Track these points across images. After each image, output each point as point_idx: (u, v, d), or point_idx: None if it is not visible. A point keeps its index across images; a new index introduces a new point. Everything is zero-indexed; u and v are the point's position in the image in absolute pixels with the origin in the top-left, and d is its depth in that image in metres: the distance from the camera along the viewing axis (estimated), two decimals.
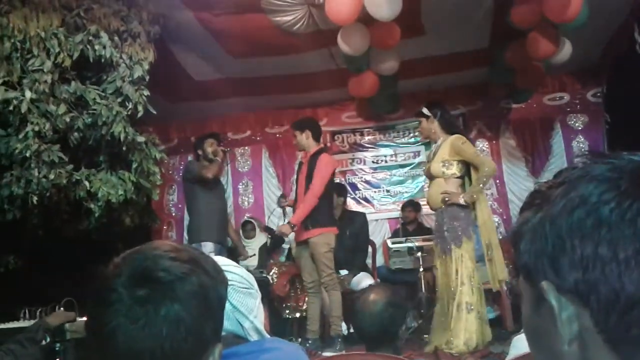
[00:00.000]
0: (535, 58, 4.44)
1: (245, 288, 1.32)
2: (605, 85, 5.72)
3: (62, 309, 2.64)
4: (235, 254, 5.04)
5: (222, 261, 1.35)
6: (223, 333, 1.31)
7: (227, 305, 1.27)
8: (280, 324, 5.09)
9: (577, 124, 5.83)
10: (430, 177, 3.96)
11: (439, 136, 3.94)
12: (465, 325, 3.50)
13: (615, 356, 0.50)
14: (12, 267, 4.63)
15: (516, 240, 0.59)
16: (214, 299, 0.86)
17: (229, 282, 1.30)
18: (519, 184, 5.82)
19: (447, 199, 3.74)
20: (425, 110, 4.02)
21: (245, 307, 1.28)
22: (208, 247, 4.26)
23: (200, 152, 4.63)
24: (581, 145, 5.80)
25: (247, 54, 4.82)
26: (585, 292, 0.51)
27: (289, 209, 4.63)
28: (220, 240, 4.47)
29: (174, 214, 6.12)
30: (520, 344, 1.70)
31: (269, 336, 1.35)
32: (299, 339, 4.62)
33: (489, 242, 3.71)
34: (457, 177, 3.82)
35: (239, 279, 1.31)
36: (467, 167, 3.83)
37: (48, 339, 2.19)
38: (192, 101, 5.61)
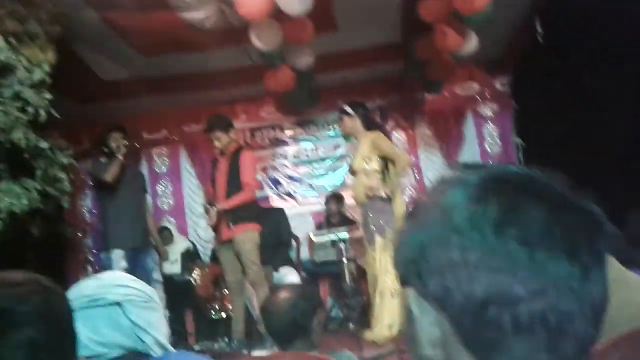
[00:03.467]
0: (443, 50, 4.59)
1: (145, 302, 1.28)
2: (512, 74, 6.01)
3: None
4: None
5: (117, 276, 1.30)
6: (123, 351, 1.26)
7: (125, 321, 1.22)
8: (207, 325, 5.02)
9: (487, 112, 6.10)
10: (353, 172, 4.09)
11: (360, 133, 4.06)
12: (388, 311, 3.60)
13: (474, 359, 0.52)
14: None
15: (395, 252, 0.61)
16: (64, 314, 0.83)
17: (126, 297, 1.25)
18: (435, 171, 6.02)
19: (369, 193, 3.87)
20: (347, 108, 4.11)
21: (144, 321, 1.24)
22: (117, 254, 4.06)
23: (104, 149, 4.31)
24: (492, 132, 6.08)
25: (158, 51, 4.67)
26: (443, 297, 0.52)
27: None
28: (136, 246, 4.21)
29: (89, 221, 5.85)
30: None
31: (173, 350, 1.31)
32: (226, 339, 4.59)
33: None
34: (377, 172, 3.95)
35: (136, 292, 1.26)
36: (386, 162, 3.98)
37: None
38: (102, 102, 5.37)
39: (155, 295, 1.32)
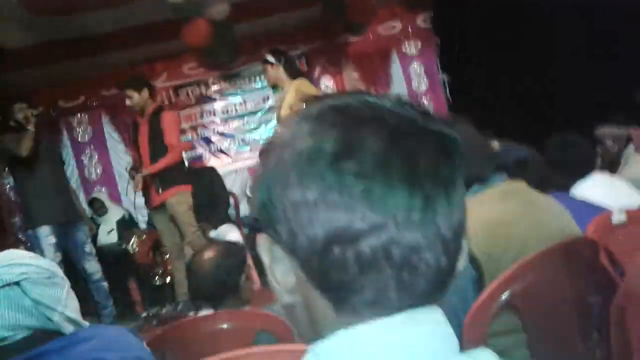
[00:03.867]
0: None
1: (46, 278, 1.22)
2: (432, 10, 6.01)
3: None
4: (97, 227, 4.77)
5: (12, 254, 1.23)
6: (30, 332, 1.20)
7: (26, 301, 1.17)
8: (152, 292, 4.96)
9: (411, 50, 6.11)
10: (281, 122, 4.02)
11: (285, 82, 3.97)
12: None
13: (329, 304, 0.51)
14: None
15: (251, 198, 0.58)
16: None
17: (23, 276, 1.19)
18: None
19: None
20: (269, 57, 4.00)
21: (49, 298, 1.18)
22: (44, 231, 3.86)
23: (12, 123, 3.99)
24: (417, 70, 6.12)
25: (61, 11, 4.36)
26: (290, 242, 0.50)
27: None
28: (61, 221, 4.00)
29: (13, 198, 5.55)
30: None
31: (86, 324, 1.27)
32: (173, 303, 4.55)
33: None
34: None
35: (35, 269, 1.20)
36: None
37: None
38: (9, 71, 5.01)
39: (57, 270, 1.26)
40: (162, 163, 3.93)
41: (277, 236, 0.51)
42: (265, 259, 0.53)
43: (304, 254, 0.49)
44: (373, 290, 0.48)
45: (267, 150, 0.54)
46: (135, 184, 3.97)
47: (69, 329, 1.21)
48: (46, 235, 3.83)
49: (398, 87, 6.06)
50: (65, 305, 1.22)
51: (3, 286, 1.15)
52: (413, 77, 6.11)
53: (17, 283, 1.16)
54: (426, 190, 0.48)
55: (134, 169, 4.13)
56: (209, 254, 1.76)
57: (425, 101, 6.09)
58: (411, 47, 6.10)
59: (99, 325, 1.26)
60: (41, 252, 3.83)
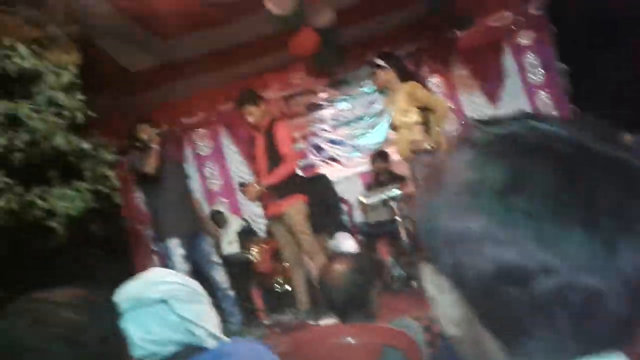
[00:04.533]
0: None
1: (190, 295, 1.27)
2: None
3: None
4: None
5: (157, 273, 1.29)
6: (177, 347, 1.25)
7: (173, 317, 1.22)
8: (274, 299, 5.09)
9: (524, 41, 5.78)
10: (395, 128, 3.95)
11: (395, 85, 3.90)
12: None
13: (499, 343, 0.46)
14: None
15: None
16: (112, 326, 0.82)
17: (170, 293, 1.24)
18: (479, 112, 5.79)
19: (413, 147, 3.75)
20: (379, 61, 3.95)
21: (193, 314, 1.23)
22: (173, 243, 4.08)
23: (138, 144, 4.24)
24: (533, 61, 5.77)
25: (177, 33, 4.62)
26: (455, 273, 0.47)
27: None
28: (188, 233, 4.20)
29: (145, 211, 5.96)
30: None
31: (227, 339, 1.30)
32: (294, 310, 4.64)
33: None
34: (419, 124, 3.80)
35: (180, 287, 1.25)
36: (427, 112, 3.82)
37: None
38: (136, 94, 5.41)
39: (199, 287, 1.31)
40: (279, 173, 4.02)
41: (442, 266, 0.48)
42: (429, 288, 0.51)
43: (471, 288, 0.46)
44: (547, 335, 0.44)
45: (430, 175, 0.52)
46: (248, 193, 4.07)
47: (211, 343, 1.24)
48: (175, 247, 4.06)
49: (512, 81, 5.76)
50: (207, 321, 1.26)
51: (152, 303, 1.20)
52: (528, 70, 5.77)
53: (165, 300, 1.21)
54: (607, 231, 0.42)
55: (243, 185, 4.27)
56: (340, 266, 1.75)
57: (542, 94, 5.73)
58: (524, 38, 5.77)
59: (238, 340, 1.29)
60: (172, 264, 4.08)
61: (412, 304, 3.57)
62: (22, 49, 3.42)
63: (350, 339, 1.68)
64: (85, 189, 3.90)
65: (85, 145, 3.77)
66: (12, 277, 4.48)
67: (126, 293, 1.23)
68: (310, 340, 1.75)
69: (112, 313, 1.00)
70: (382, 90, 4.12)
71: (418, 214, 0.52)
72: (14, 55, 3.39)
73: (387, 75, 3.90)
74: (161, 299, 1.21)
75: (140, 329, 1.18)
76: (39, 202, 3.65)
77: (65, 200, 3.80)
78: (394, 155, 5.52)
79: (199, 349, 1.23)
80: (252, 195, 4.05)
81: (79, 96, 3.67)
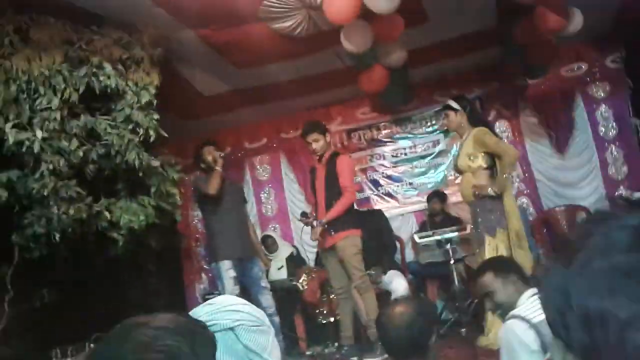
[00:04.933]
0: (545, 33, 4.29)
1: (256, 326, 1.28)
2: (624, 49, 5.51)
3: (92, 345, 2.65)
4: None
5: (229, 300, 1.31)
6: None
7: (239, 346, 1.23)
8: (316, 330, 5.07)
9: (598, 93, 5.63)
10: (459, 171, 3.97)
11: (465, 129, 3.93)
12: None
13: None
14: (46, 300, 4.70)
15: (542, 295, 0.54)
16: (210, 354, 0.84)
17: (238, 322, 1.26)
18: (544, 162, 5.66)
19: (477, 192, 3.73)
20: (453, 104, 4.00)
21: (257, 345, 1.24)
22: (226, 265, 4.16)
23: (202, 165, 4.44)
24: (605, 115, 5.60)
25: (252, 63, 4.79)
26: (589, 355, 0.45)
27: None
28: (242, 256, 4.30)
29: (200, 229, 6.12)
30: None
31: None
32: (336, 344, 4.60)
33: (517, 231, 3.68)
34: (484, 169, 3.79)
35: (248, 317, 1.27)
36: (494, 158, 3.81)
37: None
38: (204, 117, 5.61)
39: (265, 318, 1.32)
40: (339, 207, 4.05)
41: (571, 342, 0.48)
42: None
43: None
44: None
45: (564, 250, 0.51)
46: (314, 233, 4.12)
47: None
48: (227, 268, 4.14)
49: (581, 133, 5.60)
50: (270, 352, 1.27)
51: (221, 330, 1.22)
52: (600, 122, 5.60)
53: (232, 329, 1.23)
54: None
55: (305, 215, 4.31)
56: (402, 309, 1.74)
57: (613, 148, 5.54)
58: (599, 90, 5.62)
59: None
60: (222, 284, 4.15)
61: (459, 351, 3.48)
62: (108, 68, 3.61)
63: None
64: (149, 204, 4.03)
65: (155, 163, 3.90)
66: (70, 281, 4.67)
67: (196, 317, 1.26)
68: None
69: (210, 342, 1.02)
70: (449, 132, 4.15)
71: (547, 289, 0.51)
72: (100, 74, 3.58)
73: (460, 117, 3.94)
74: (230, 326, 1.23)
75: None
76: (105, 213, 3.79)
77: (130, 214, 3.94)
78: (452, 197, 5.47)
79: None
80: (316, 235, 4.09)
81: (154, 116, 3.82)
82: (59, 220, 3.47)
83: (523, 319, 1.79)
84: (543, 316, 1.68)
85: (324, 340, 4.89)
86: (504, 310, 2.08)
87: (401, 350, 1.72)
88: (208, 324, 1.23)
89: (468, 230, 4.31)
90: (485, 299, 2.07)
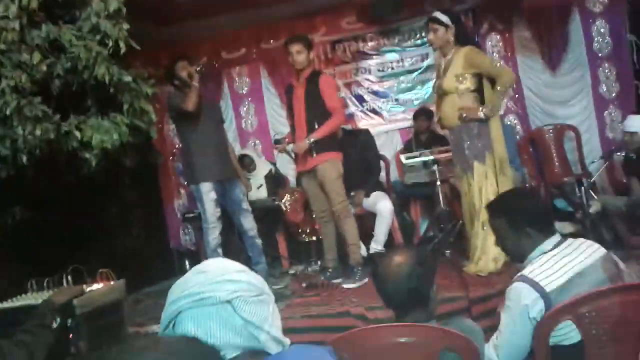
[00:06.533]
0: None
1: (256, 296, 1.14)
2: None
3: (69, 277, 2.53)
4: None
5: (224, 268, 1.16)
6: (237, 351, 1.14)
7: (238, 320, 1.11)
8: (299, 248, 5.05)
9: (596, 7, 5.34)
10: (442, 93, 3.66)
11: (452, 47, 3.60)
12: (493, 243, 3.35)
13: None
14: (17, 218, 4.52)
15: None
16: None
17: (235, 294, 1.13)
18: (535, 78, 5.47)
19: (464, 115, 3.50)
20: (442, 17, 3.59)
21: (258, 317, 1.11)
22: (206, 187, 3.97)
23: (176, 81, 4.09)
24: (601, 30, 5.36)
25: None
26: None
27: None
28: (221, 178, 4.09)
29: (177, 145, 5.87)
30: None
31: (289, 343, 1.19)
32: (319, 262, 4.60)
33: (501, 157, 3.53)
34: (471, 91, 3.53)
35: (246, 287, 1.12)
36: (480, 80, 3.54)
37: (58, 320, 2.09)
38: (177, 23, 5.20)
39: (265, 285, 1.18)
40: (327, 127, 3.85)
41: None
42: None
43: None
44: None
45: None
46: (298, 147, 3.91)
47: (274, 348, 1.13)
48: (208, 191, 3.97)
49: (575, 49, 5.37)
50: (271, 324, 1.15)
51: (216, 304, 1.09)
52: (595, 38, 5.36)
53: (229, 301, 1.09)
54: None
55: (278, 142, 4.14)
56: (399, 259, 1.62)
57: (606, 65, 5.36)
58: (596, 4, 5.33)
59: (300, 346, 1.18)
60: (203, 207, 4.01)
61: (448, 277, 3.46)
62: None
63: (407, 339, 1.57)
64: (122, 122, 3.76)
65: (127, 78, 3.59)
66: (44, 205, 4.48)
67: (187, 288, 1.11)
68: (363, 336, 1.64)
69: None
70: (437, 48, 3.80)
71: None
72: None
73: (447, 34, 3.59)
74: (226, 299, 1.09)
75: (202, 331, 1.07)
76: (76, 132, 3.53)
77: (101, 132, 3.68)
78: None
79: (259, 353, 1.11)
80: (301, 149, 3.89)
81: (124, 25, 3.46)
82: (25, 141, 3.21)
83: (534, 285, 1.65)
84: (557, 282, 1.56)
85: (306, 258, 4.89)
86: (513, 258, 1.98)
87: (401, 303, 1.62)
88: (201, 296, 1.09)
89: (452, 156, 4.09)
90: (495, 236, 1.93)
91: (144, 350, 0.80)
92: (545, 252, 1.75)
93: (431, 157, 4.49)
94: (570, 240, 1.81)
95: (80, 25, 3.36)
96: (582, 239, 1.81)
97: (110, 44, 3.43)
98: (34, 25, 3.24)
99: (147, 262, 5.08)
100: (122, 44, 3.47)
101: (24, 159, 3.29)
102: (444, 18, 3.58)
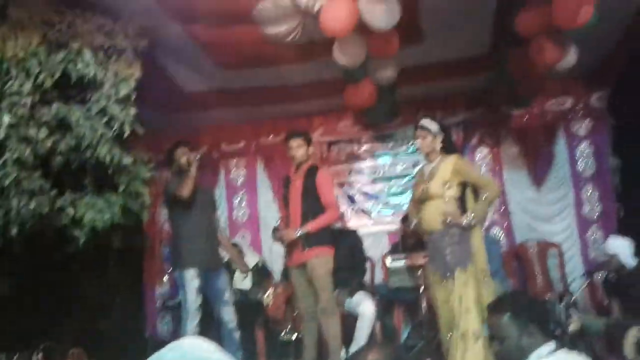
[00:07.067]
0: (539, 66, 4.23)
1: None
2: (610, 89, 5.52)
3: (39, 356, 2.46)
4: (233, 271, 4.79)
5: (198, 347, 1.16)
6: None
7: None
8: (277, 346, 4.90)
9: (580, 131, 5.65)
10: (427, 198, 3.64)
11: (438, 155, 3.70)
12: (473, 356, 3.28)
13: None
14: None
15: None
16: None
17: None
18: (521, 194, 5.64)
19: (448, 220, 3.52)
20: (431, 125, 3.68)
21: None
22: (190, 274, 3.96)
23: (174, 167, 4.19)
24: (585, 152, 5.62)
25: (238, 65, 4.64)
26: None
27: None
28: (209, 267, 4.09)
29: (167, 230, 5.87)
30: None
31: None
32: None
33: (482, 268, 3.52)
34: (455, 199, 3.59)
35: None
36: (464, 189, 3.62)
37: None
38: (182, 112, 5.41)
39: None
40: (321, 221, 3.90)
41: None
42: None
43: None
44: None
45: None
46: (287, 233, 3.94)
47: None
48: (192, 278, 3.95)
49: (560, 168, 5.60)
50: None
51: None
52: (579, 159, 5.61)
53: None
54: None
55: (278, 229, 4.15)
56: (375, 356, 1.61)
57: (590, 187, 5.56)
58: (581, 127, 5.64)
59: None
60: (185, 294, 3.96)
61: None
62: (88, 55, 3.39)
63: None
64: (116, 203, 3.81)
65: (127, 160, 3.68)
66: (26, 274, 4.41)
67: None
68: None
69: None
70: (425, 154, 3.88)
71: None
72: (79, 60, 3.35)
73: (434, 141, 3.68)
74: None
75: None
76: (70, 209, 3.56)
77: (94, 211, 3.71)
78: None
79: None
80: (289, 237, 3.91)
81: (132, 110, 3.61)
82: (18, 214, 3.23)
83: None
84: None
85: (284, 356, 4.74)
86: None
87: None
88: None
89: (428, 261, 4.01)
90: (490, 342, 1.92)
91: None
92: (541, 359, 1.74)
93: (417, 262, 4.49)
94: (565, 350, 1.80)
95: (89, 106, 3.49)
96: (575, 353, 1.81)
97: (116, 126, 3.55)
98: (45, 103, 3.38)
99: (122, 347, 4.91)
100: (127, 127, 3.59)
101: (14, 230, 3.29)
102: (432, 126, 3.68)
